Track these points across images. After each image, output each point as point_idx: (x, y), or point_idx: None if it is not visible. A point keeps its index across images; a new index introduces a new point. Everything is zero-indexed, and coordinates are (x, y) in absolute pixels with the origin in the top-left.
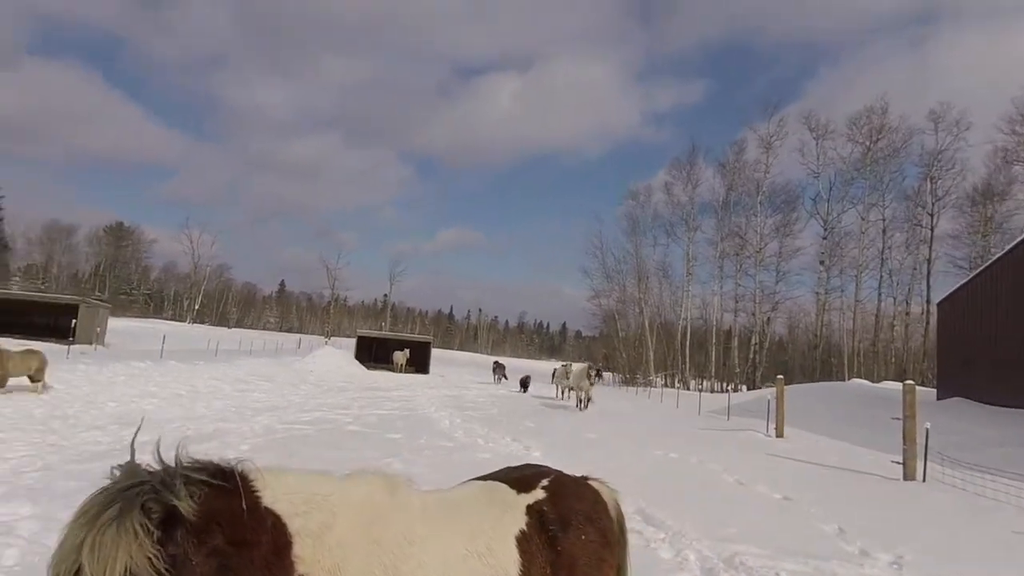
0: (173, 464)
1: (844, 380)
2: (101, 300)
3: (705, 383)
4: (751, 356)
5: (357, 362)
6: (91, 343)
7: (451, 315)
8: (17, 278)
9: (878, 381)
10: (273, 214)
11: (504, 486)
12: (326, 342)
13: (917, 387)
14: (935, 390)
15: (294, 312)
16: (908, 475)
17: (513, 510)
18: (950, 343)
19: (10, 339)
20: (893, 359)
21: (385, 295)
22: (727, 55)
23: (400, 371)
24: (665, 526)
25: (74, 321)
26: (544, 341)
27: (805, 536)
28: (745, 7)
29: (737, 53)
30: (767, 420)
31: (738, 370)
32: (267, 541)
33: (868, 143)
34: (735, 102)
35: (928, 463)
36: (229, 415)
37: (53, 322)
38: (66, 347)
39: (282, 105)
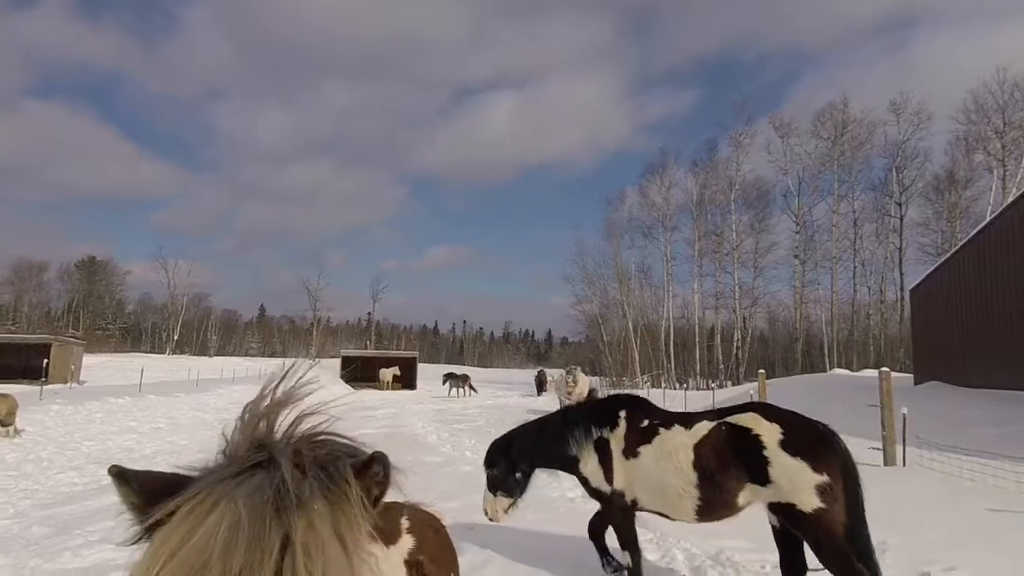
0: None
1: (825, 371)
2: (74, 337)
3: (691, 381)
4: (734, 352)
5: (342, 382)
6: (66, 382)
7: (436, 330)
8: None
9: (858, 370)
10: (259, 240)
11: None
12: (313, 363)
13: (896, 373)
14: (912, 375)
15: (276, 336)
16: (888, 461)
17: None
18: (924, 328)
19: None
20: (872, 347)
21: (369, 313)
22: (716, 66)
23: (387, 388)
24: (651, 526)
25: (45, 361)
26: (531, 349)
27: None
28: (734, 21)
29: (725, 64)
30: None
31: (722, 367)
32: None
33: (833, 137)
34: (722, 110)
35: (907, 448)
36: (213, 446)
37: (24, 363)
38: (39, 388)
39: (276, 133)
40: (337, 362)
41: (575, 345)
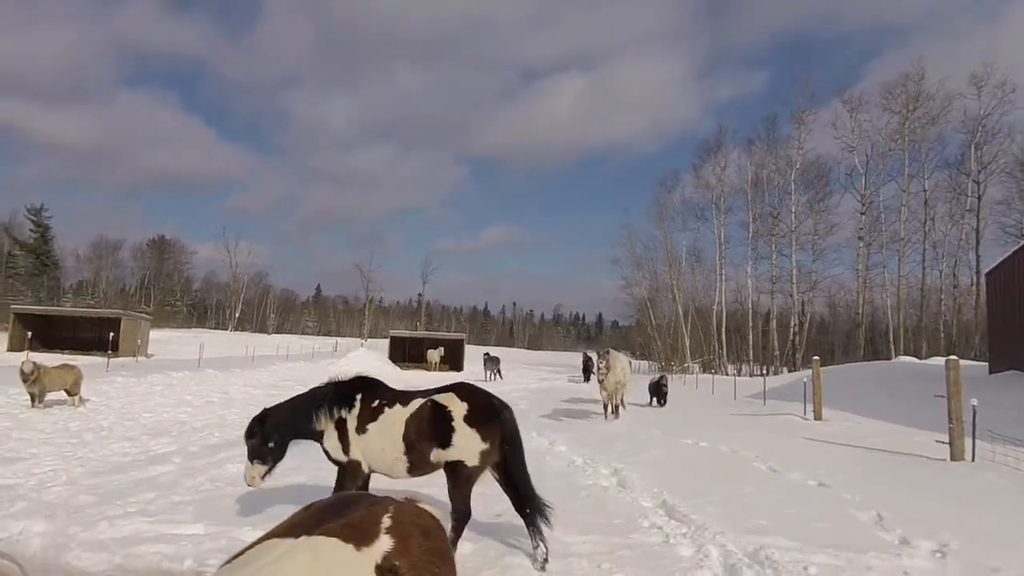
0: None
1: (890, 359)
2: (143, 312)
3: (744, 368)
4: (791, 338)
5: (391, 362)
6: (134, 355)
7: (486, 311)
8: (69, 295)
9: (926, 358)
10: (318, 222)
11: (334, 541)
12: (362, 344)
13: (970, 362)
14: (987, 364)
15: (331, 316)
16: (955, 455)
17: None
18: (1001, 314)
19: (59, 354)
20: (942, 334)
21: (420, 294)
22: (792, 46)
23: (434, 369)
24: (688, 520)
25: (111, 334)
26: (581, 332)
27: (840, 525)
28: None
29: (802, 43)
30: (804, 403)
31: (777, 353)
32: None
33: (905, 112)
34: (796, 88)
35: (977, 442)
36: None
37: (98, 336)
38: (106, 360)
39: (343, 117)
40: (386, 342)
41: (625, 329)
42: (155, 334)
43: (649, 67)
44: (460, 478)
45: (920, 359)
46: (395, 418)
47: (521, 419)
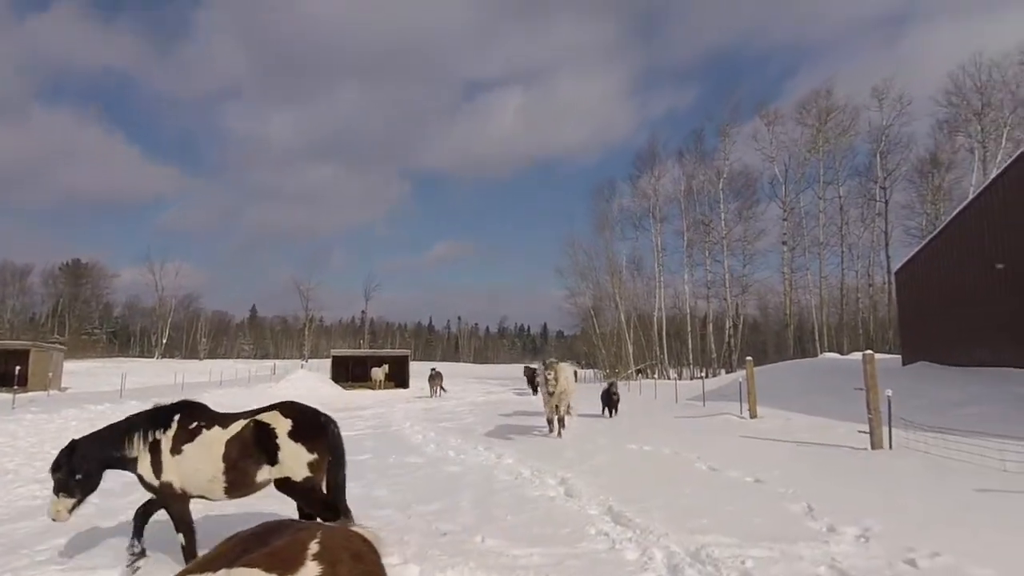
0: None
1: (816, 356)
2: (55, 342)
3: (684, 371)
4: (726, 340)
5: (333, 383)
6: (45, 389)
7: (431, 327)
8: None
9: (848, 353)
10: (252, 240)
11: (255, 572)
12: (302, 365)
13: (886, 355)
14: (900, 356)
15: (268, 337)
16: (875, 444)
17: None
18: (910, 309)
19: None
20: (861, 331)
21: (362, 312)
22: (717, 64)
23: (379, 388)
24: (633, 524)
25: (18, 368)
26: (526, 343)
27: (775, 519)
28: (738, 18)
29: (728, 59)
30: (740, 402)
31: (715, 355)
32: None
33: (818, 124)
34: (717, 104)
35: (894, 430)
36: None
37: (2, 370)
38: (12, 395)
39: (287, 133)
40: (328, 362)
41: (570, 339)
42: (70, 365)
43: (586, 82)
44: (297, 492)
45: (842, 355)
46: (213, 439)
47: (467, 434)
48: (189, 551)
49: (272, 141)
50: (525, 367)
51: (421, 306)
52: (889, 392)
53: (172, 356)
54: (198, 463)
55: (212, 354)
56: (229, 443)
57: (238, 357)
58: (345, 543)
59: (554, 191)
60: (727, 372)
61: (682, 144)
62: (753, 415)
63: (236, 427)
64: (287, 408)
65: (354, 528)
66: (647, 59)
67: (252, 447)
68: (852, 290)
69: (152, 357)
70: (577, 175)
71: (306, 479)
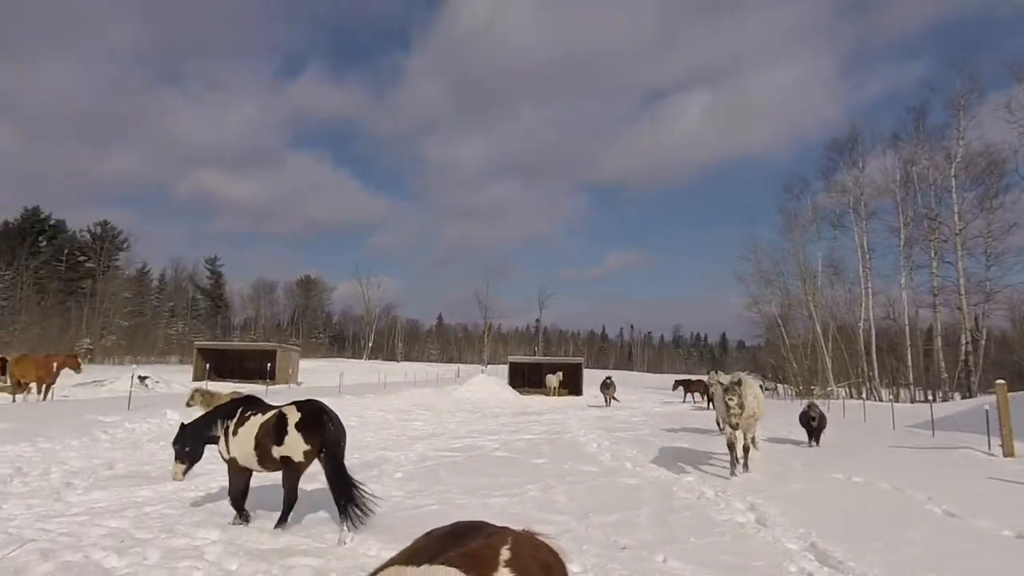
0: None
1: None
2: (294, 345)
3: (902, 393)
4: (962, 358)
5: (510, 388)
6: (287, 382)
7: (604, 335)
8: (237, 331)
9: None
10: (442, 254)
11: (453, 572)
12: (482, 370)
13: None
14: None
15: (452, 343)
16: None
17: None
18: None
19: (229, 382)
20: None
21: (537, 320)
22: (951, 30)
23: (553, 394)
24: (844, 567)
25: (269, 365)
26: (703, 353)
27: None
28: None
29: (966, 24)
30: (987, 435)
31: (945, 376)
32: None
33: None
34: (954, 72)
35: None
36: (390, 443)
37: (259, 366)
38: (265, 387)
39: (475, 156)
40: (506, 368)
41: (753, 349)
42: (304, 363)
43: (779, 72)
44: (289, 469)
45: None
46: (255, 423)
47: (643, 445)
48: (235, 505)
49: (461, 165)
50: (675, 381)
51: (594, 315)
52: None
53: (376, 357)
54: (243, 441)
55: (406, 356)
56: (261, 426)
57: (428, 360)
58: (534, 552)
59: (734, 194)
60: (963, 397)
61: (896, 125)
62: (1008, 452)
63: (269, 415)
64: (302, 405)
65: (540, 538)
66: (856, 40)
67: (271, 431)
68: None
69: (361, 358)
70: (759, 177)
71: (299, 463)
